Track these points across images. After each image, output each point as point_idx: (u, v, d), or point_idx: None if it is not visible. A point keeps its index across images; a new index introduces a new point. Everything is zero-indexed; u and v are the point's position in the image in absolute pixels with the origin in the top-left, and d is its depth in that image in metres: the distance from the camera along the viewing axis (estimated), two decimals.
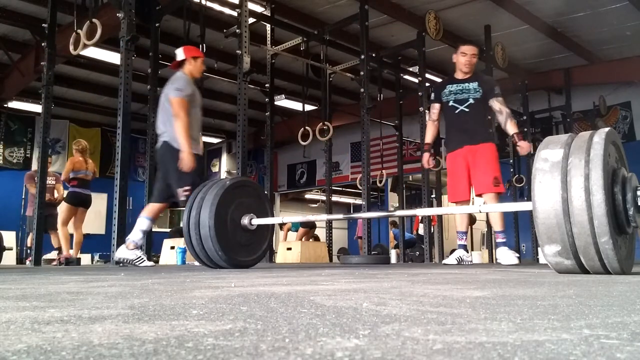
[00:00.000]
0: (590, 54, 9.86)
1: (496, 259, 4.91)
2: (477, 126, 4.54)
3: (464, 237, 4.78)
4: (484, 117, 4.60)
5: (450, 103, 4.59)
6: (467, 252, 4.85)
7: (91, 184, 7.05)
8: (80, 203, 6.67)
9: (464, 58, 4.57)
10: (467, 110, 4.51)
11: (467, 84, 4.56)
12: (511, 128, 4.44)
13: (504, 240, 4.55)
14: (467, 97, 4.55)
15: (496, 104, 4.49)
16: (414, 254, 10.45)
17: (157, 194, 4.10)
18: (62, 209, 6.66)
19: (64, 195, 7.14)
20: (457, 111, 4.56)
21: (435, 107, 4.71)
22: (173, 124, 3.90)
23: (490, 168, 4.48)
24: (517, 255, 4.72)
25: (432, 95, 4.83)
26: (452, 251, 6.08)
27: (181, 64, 4.22)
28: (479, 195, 4.60)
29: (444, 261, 4.72)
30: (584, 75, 10.25)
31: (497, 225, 4.52)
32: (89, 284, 1.64)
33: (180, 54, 4.29)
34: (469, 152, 4.54)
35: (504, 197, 4.87)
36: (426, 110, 5.05)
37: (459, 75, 4.62)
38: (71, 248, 7.11)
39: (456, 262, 4.65)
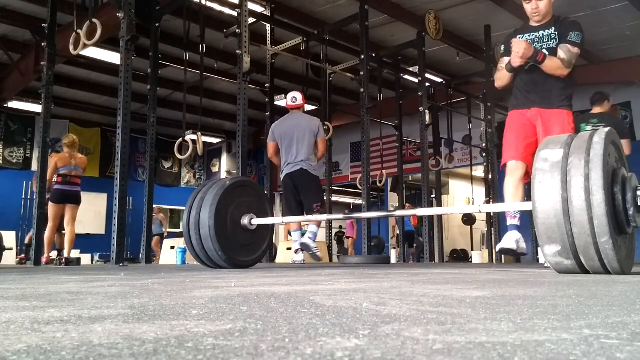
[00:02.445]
0: (590, 54, 9.87)
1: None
2: (552, 85, 3.63)
3: (517, 216, 3.78)
4: (563, 77, 3.63)
5: None
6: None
7: (82, 179, 6.61)
8: (63, 200, 6.32)
9: (529, 5, 3.73)
10: (551, 57, 3.57)
11: (541, 32, 3.68)
12: (551, 59, 3.51)
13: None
14: (540, 48, 3.66)
15: (561, 51, 3.53)
16: (413, 254, 10.47)
17: (296, 207, 5.22)
18: (49, 207, 6.22)
19: None
20: (527, 66, 3.67)
21: (504, 61, 3.82)
22: (314, 157, 5.09)
23: None
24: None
25: (502, 47, 3.97)
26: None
27: (300, 107, 5.25)
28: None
29: (499, 245, 3.73)
30: (583, 75, 10.24)
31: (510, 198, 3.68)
32: (89, 284, 1.64)
33: (300, 99, 5.24)
34: (538, 117, 3.67)
35: (504, 197, 4.38)
36: (496, 67, 4.11)
37: (532, 22, 3.75)
38: (61, 248, 6.84)
39: (515, 247, 3.65)
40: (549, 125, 3.61)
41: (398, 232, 11.31)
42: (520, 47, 3.57)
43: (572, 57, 3.51)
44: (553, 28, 3.64)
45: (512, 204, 3.52)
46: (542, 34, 3.67)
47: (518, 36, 3.75)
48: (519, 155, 3.68)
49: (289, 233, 8.16)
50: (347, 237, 13.88)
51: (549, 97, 3.63)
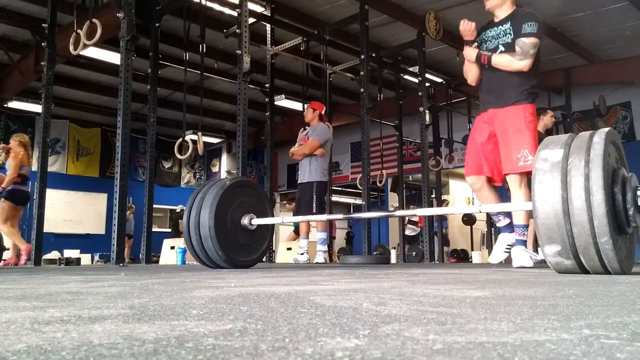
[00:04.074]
0: (590, 54, 9.86)
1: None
2: (507, 82, 3.50)
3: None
4: (519, 73, 3.48)
5: None
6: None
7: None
8: (23, 201, 6.12)
9: None
10: (500, 54, 3.52)
11: (499, 27, 3.57)
12: (498, 56, 3.46)
13: (522, 237, 3.58)
14: (497, 45, 3.57)
15: (517, 45, 3.42)
16: (411, 254, 10.46)
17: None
18: (3, 207, 5.88)
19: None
20: (486, 67, 3.59)
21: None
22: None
23: (518, 139, 3.43)
24: (536, 256, 3.87)
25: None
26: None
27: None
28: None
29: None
30: (584, 75, 10.26)
31: (517, 218, 3.57)
32: (89, 284, 1.64)
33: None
34: (494, 118, 3.57)
35: (504, 197, 4.30)
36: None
37: (494, 18, 3.64)
38: (7, 249, 6.47)
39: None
40: (503, 125, 3.51)
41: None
42: (465, 53, 3.62)
43: (528, 48, 3.38)
44: (509, 23, 3.52)
45: (512, 204, 3.50)
46: (500, 30, 3.57)
47: (482, 33, 3.70)
48: (470, 169, 3.67)
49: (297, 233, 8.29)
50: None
51: (503, 96, 3.52)
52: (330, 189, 9.24)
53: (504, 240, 3.69)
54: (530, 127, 3.45)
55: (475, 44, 3.62)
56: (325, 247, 6.05)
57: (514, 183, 3.51)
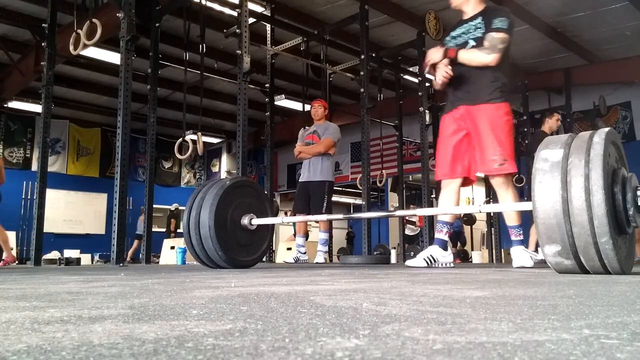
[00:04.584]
0: (590, 54, 9.87)
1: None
2: (478, 78, 3.40)
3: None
4: (492, 66, 3.39)
5: None
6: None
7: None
8: None
9: None
10: (468, 50, 3.45)
11: (470, 23, 3.50)
12: (466, 50, 3.38)
13: (519, 237, 3.53)
14: (467, 40, 3.48)
15: (486, 40, 3.34)
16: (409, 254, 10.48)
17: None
18: None
19: None
20: (455, 58, 3.49)
21: (444, 62, 3.62)
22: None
23: (495, 139, 3.32)
24: (536, 256, 3.81)
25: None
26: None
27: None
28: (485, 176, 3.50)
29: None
30: (584, 75, 10.26)
31: (510, 219, 3.53)
32: (89, 284, 1.64)
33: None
34: (466, 116, 3.44)
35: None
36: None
37: (464, 15, 3.59)
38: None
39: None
40: (478, 124, 3.39)
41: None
42: (429, 55, 3.52)
43: (496, 42, 3.31)
44: (480, 18, 3.46)
45: (512, 204, 3.50)
46: (470, 25, 3.50)
47: (452, 31, 3.64)
48: (443, 172, 3.55)
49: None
50: None
51: (475, 92, 3.40)
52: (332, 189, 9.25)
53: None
54: (505, 127, 3.37)
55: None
56: (326, 248, 6.07)
57: (501, 186, 3.42)
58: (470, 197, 11.99)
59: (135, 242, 11.79)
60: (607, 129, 2.05)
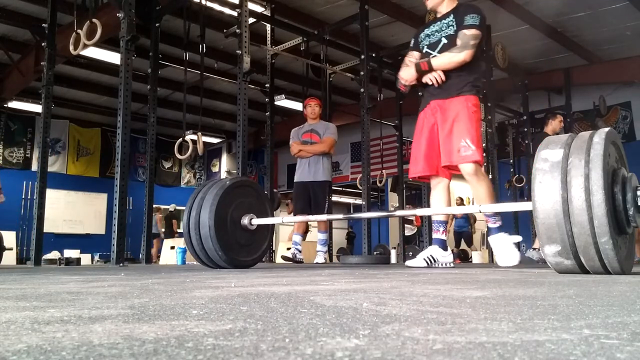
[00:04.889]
0: (590, 54, 9.87)
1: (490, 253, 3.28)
2: (449, 73, 3.43)
3: (440, 229, 3.60)
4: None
5: (425, 50, 3.57)
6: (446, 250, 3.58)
7: None
8: None
9: None
10: (438, 55, 3.47)
11: (442, 21, 3.54)
12: (438, 57, 3.39)
13: (496, 225, 3.44)
14: (440, 38, 3.51)
15: (458, 38, 3.37)
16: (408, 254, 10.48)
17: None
18: None
19: None
20: (428, 70, 3.50)
21: (413, 55, 3.67)
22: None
23: (460, 129, 3.33)
24: (518, 249, 3.60)
25: (412, 41, 3.78)
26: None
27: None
28: (447, 168, 3.48)
29: (408, 262, 3.61)
30: (584, 75, 10.26)
31: (487, 207, 3.36)
32: (89, 284, 1.64)
33: None
34: (437, 109, 3.47)
35: (504, 197, 4.28)
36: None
37: (437, 15, 3.64)
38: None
39: (424, 264, 3.47)
40: (446, 116, 3.41)
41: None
42: (401, 77, 3.50)
43: (468, 39, 3.33)
44: (452, 16, 3.49)
45: (512, 204, 3.51)
46: (443, 23, 3.52)
47: (425, 29, 3.65)
48: (416, 168, 3.54)
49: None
50: None
51: (447, 87, 3.43)
52: (331, 189, 9.25)
53: (427, 252, 3.53)
54: (473, 118, 3.37)
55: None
56: (326, 248, 6.06)
57: (472, 177, 3.35)
58: (470, 197, 11.99)
59: (155, 242, 11.72)
60: (607, 129, 2.05)
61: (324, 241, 5.97)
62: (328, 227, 6.10)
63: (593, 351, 0.49)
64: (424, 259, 3.46)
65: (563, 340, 0.54)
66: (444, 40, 3.46)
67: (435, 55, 3.46)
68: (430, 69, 3.42)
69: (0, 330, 0.62)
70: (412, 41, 3.75)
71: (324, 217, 5.18)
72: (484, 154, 9.46)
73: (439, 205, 3.57)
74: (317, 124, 5.86)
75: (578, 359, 0.45)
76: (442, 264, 3.49)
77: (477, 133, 3.33)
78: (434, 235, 3.62)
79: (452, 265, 3.60)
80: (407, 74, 3.51)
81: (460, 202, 12.13)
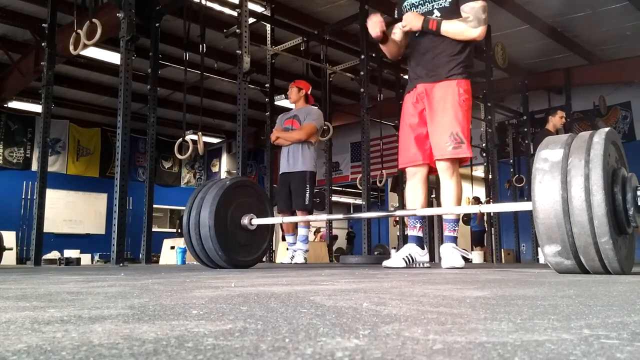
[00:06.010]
0: (590, 54, 9.87)
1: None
2: (440, 52, 3.08)
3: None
4: (456, 40, 3.07)
5: None
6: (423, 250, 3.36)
7: None
8: None
9: None
10: (449, 21, 3.06)
11: None
12: (449, 22, 3.00)
13: (451, 233, 3.22)
14: (431, 9, 3.11)
15: (464, 12, 3.02)
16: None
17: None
18: None
19: None
20: (416, 34, 3.15)
21: (398, 27, 3.29)
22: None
23: (448, 118, 3.02)
24: (467, 255, 3.41)
25: (396, 12, 3.40)
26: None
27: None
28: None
29: (385, 262, 3.35)
30: (584, 75, 10.26)
31: (448, 207, 3.23)
32: (89, 284, 1.64)
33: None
34: (424, 95, 3.16)
35: (504, 197, 4.24)
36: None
37: None
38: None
39: (403, 265, 3.24)
40: (433, 103, 3.09)
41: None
42: (406, 20, 3.10)
43: (478, 13, 2.98)
44: None
45: (512, 204, 3.49)
46: None
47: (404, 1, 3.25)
48: (405, 158, 3.28)
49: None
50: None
51: (435, 69, 3.10)
52: (331, 189, 9.24)
53: (405, 250, 3.26)
54: (464, 106, 3.05)
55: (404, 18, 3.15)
56: (307, 246, 5.48)
57: (445, 172, 3.11)
58: (470, 197, 11.97)
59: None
60: (607, 129, 2.05)
61: (304, 237, 5.38)
62: (309, 221, 5.51)
63: (593, 351, 0.49)
64: (403, 259, 3.22)
65: (563, 340, 0.54)
66: (437, 13, 3.08)
67: (441, 19, 3.04)
68: (437, 31, 3.04)
69: (0, 330, 0.62)
70: (396, 11, 3.37)
71: (324, 216, 5.18)
72: (484, 154, 9.49)
73: (417, 198, 3.28)
74: (302, 109, 5.43)
75: (578, 359, 0.45)
76: (419, 264, 3.28)
77: (468, 124, 3.07)
78: (410, 233, 3.35)
79: (428, 265, 3.37)
80: (413, 20, 3.09)
81: (476, 202, 11.89)
